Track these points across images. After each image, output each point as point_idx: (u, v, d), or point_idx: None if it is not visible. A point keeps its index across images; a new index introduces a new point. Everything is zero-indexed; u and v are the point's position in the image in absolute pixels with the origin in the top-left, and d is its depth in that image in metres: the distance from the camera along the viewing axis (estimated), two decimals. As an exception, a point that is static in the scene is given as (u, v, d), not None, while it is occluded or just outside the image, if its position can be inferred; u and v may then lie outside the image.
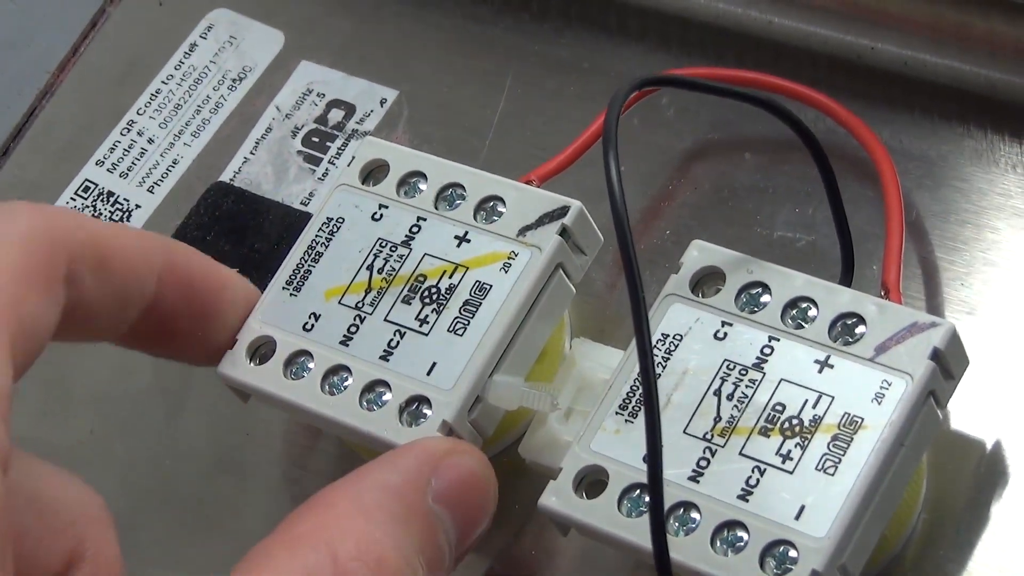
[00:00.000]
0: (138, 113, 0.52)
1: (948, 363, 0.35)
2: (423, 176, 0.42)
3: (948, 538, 0.37)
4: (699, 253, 0.38)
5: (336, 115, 0.50)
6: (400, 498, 0.34)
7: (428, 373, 0.38)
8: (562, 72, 0.48)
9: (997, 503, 0.37)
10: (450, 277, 0.39)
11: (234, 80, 0.52)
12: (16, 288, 0.33)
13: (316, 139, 0.50)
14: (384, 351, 0.39)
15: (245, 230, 0.48)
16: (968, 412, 0.38)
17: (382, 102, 0.50)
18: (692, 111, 0.45)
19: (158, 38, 0.54)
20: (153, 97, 0.53)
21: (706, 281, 0.38)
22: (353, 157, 0.42)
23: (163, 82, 0.53)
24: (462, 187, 0.41)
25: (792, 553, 0.34)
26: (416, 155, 0.42)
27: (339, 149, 0.49)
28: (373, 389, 0.39)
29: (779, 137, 0.40)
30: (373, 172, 0.42)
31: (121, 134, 0.52)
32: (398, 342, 0.39)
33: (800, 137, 0.37)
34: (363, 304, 0.40)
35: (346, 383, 0.39)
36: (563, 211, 0.39)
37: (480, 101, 0.48)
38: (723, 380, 0.36)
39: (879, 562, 0.37)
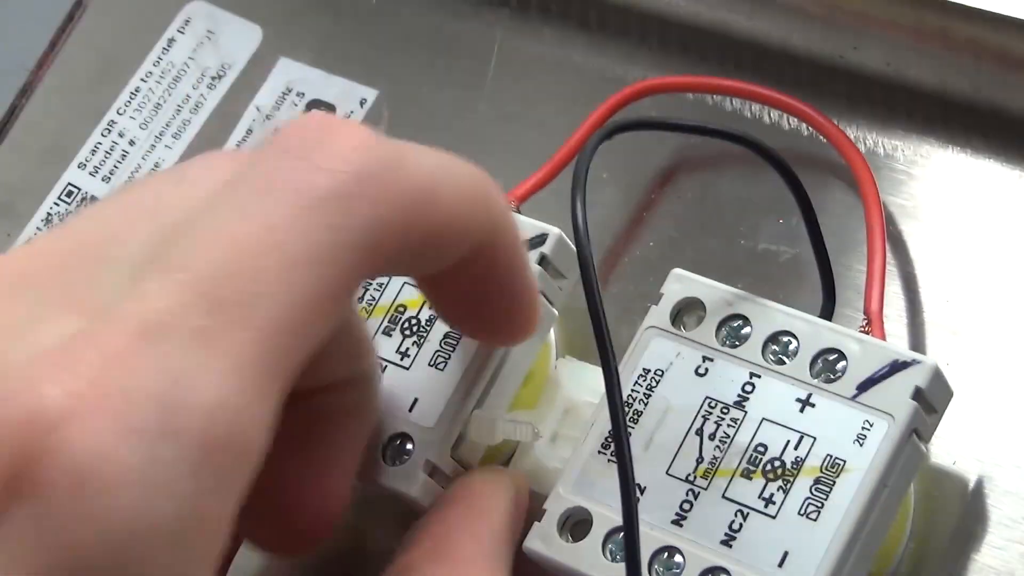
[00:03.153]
0: (118, 113, 0.52)
1: (931, 400, 0.35)
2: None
3: (935, 568, 0.37)
4: (679, 285, 0.38)
5: (316, 116, 0.49)
6: None
7: None
8: (543, 72, 0.47)
9: (984, 533, 0.37)
10: None
11: (213, 78, 0.51)
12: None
13: (297, 142, 0.49)
14: None
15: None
16: (954, 438, 0.38)
17: (362, 102, 0.49)
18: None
19: (136, 32, 0.53)
20: (133, 96, 0.52)
21: (687, 311, 0.38)
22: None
23: (142, 80, 0.52)
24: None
25: (777, 601, 0.34)
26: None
27: (320, 153, 0.48)
28: None
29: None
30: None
31: (102, 135, 0.52)
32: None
33: (780, 173, 0.36)
34: None
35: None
36: (541, 239, 0.39)
37: (460, 102, 0.47)
38: (705, 419, 0.36)
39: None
